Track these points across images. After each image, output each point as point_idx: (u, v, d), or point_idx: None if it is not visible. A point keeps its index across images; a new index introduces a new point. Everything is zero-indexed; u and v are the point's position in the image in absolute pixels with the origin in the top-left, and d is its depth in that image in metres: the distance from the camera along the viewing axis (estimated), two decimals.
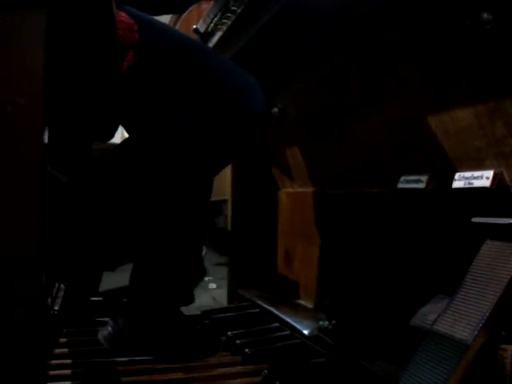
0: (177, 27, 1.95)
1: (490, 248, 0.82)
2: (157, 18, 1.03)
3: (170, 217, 1.04)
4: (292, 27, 1.16)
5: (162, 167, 0.96)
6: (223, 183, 1.86)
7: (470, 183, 0.88)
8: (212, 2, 1.31)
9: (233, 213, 1.83)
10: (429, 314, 0.87)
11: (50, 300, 0.98)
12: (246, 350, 1.18)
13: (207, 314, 1.53)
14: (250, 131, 0.97)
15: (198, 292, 1.52)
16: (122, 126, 1.04)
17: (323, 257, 1.45)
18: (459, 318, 0.79)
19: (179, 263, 1.09)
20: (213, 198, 1.18)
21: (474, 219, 0.86)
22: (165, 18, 1.76)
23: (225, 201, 1.93)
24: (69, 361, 1.13)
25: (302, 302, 1.55)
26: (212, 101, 0.93)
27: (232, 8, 1.23)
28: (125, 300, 1.11)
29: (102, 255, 1.04)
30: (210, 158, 1.00)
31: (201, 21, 1.39)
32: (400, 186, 1.05)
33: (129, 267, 1.12)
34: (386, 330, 1.11)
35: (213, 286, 2.67)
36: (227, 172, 1.82)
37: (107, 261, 1.07)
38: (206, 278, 2.79)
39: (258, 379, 1.06)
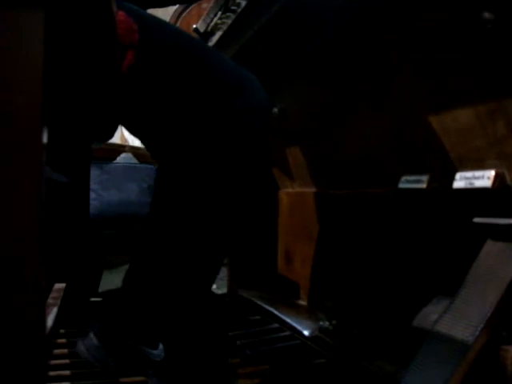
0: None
1: (491, 248, 0.82)
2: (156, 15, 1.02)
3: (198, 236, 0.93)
4: (292, 27, 1.15)
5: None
6: None
7: (471, 183, 0.87)
8: (212, 2, 1.31)
9: None
10: (430, 315, 0.87)
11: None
12: (246, 350, 1.18)
13: None
14: (256, 130, 0.95)
15: None
16: (123, 125, 1.04)
17: (323, 257, 1.45)
18: (460, 319, 0.79)
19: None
20: None
21: (475, 219, 0.86)
22: (164, 18, 1.76)
23: None
24: (68, 361, 1.13)
25: (302, 302, 1.55)
26: (215, 102, 0.92)
27: (232, 7, 1.22)
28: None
29: None
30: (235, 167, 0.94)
31: (201, 20, 1.38)
32: (400, 186, 1.05)
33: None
34: (387, 330, 1.11)
35: (213, 286, 2.67)
36: None
37: None
38: None
39: (258, 380, 1.06)
